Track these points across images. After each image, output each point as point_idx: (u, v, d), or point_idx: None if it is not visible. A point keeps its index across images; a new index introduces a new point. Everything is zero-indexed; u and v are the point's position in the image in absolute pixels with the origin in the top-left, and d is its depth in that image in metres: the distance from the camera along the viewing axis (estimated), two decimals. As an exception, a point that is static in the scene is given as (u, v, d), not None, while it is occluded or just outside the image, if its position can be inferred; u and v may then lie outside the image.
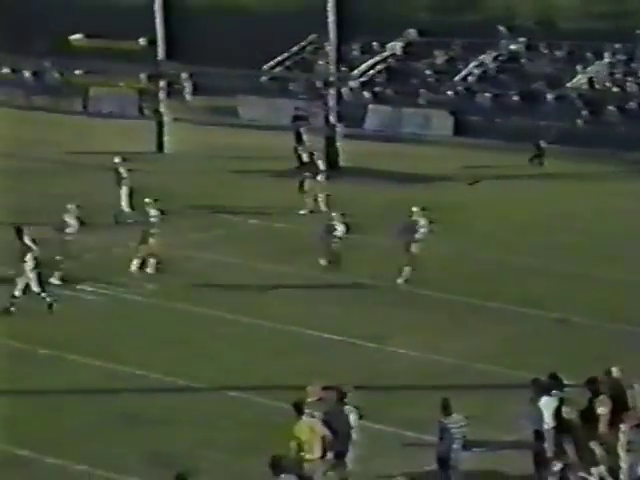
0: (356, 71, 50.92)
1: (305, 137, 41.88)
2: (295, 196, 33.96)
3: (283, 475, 14.23)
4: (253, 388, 19.97)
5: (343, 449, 15.60)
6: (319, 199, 33.03)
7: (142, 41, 43.77)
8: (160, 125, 42.79)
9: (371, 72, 51.70)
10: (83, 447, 17.77)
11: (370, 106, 48.80)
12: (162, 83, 43.65)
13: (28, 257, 23.96)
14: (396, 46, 52.57)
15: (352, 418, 15.67)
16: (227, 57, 49.64)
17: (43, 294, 24.10)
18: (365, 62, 51.90)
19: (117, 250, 28.86)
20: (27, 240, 24.25)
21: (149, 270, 27.08)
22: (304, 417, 15.34)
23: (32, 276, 24.05)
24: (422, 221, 26.45)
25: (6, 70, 55.11)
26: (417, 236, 26.26)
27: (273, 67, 53.50)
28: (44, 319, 23.92)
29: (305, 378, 17.31)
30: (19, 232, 24.46)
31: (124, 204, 31.42)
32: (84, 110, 51.33)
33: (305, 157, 34.60)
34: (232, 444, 17.53)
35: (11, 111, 49.58)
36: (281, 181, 36.65)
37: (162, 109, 43.18)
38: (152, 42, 43.23)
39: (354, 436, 15.57)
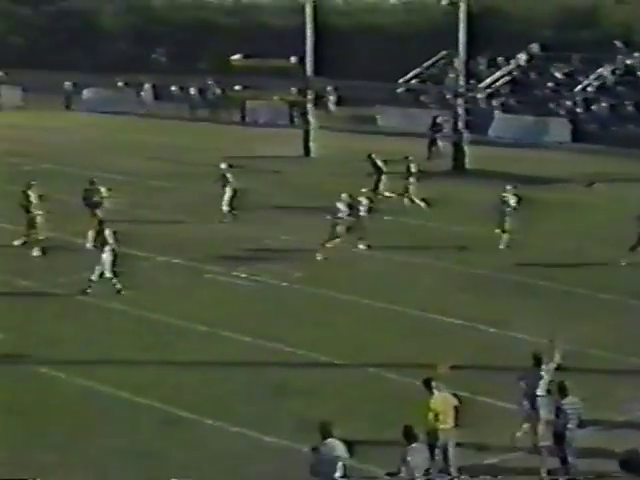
0: (483, 83, 50.59)
1: (439, 143, 42.10)
2: (424, 194, 34.08)
3: (415, 444, 14.33)
4: (386, 365, 20.01)
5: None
6: (415, 198, 32.98)
7: (293, 59, 44.21)
8: (307, 132, 43.19)
9: (497, 84, 51.31)
10: (237, 412, 18.15)
11: (495, 115, 48.43)
12: (310, 96, 44.01)
13: (107, 248, 24.61)
14: (520, 60, 52.05)
15: (543, 381, 16.11)
16: (367, 72, 49.97)
17: (114, 280, 24.59)
18: (491, 75, 51.53)
19: (268, 241, 29.37)
20: (107, 232, 24.93)
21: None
22: (436, 391, 15.48)
23: (107, 263, 24.62)
24: None
25: (175, 88, 56.09)
26: None
27: (408, 80, 53.45)
28: (203, 300, 24.41)
29: (432, 358, 17.36)
30: (101, 224, 25.43)
31: (224, 204, 31.66)
32: (241, 121, 52.00)
33: (379, 163, 34.12)
34: (368, 414, 17.70)
35: (178, 123, 50.60)
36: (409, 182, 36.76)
37: (309, 119, 43.53)
38: (302, 60, 43.64)
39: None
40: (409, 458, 14.15)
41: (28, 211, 28.49)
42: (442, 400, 15.47)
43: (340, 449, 14.14)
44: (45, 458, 16.60)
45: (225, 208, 31.66)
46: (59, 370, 20.12)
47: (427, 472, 14.53)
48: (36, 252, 27.88)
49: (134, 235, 29.20)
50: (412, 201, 33.05)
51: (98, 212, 29.02)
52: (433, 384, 15.58)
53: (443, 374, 16.10)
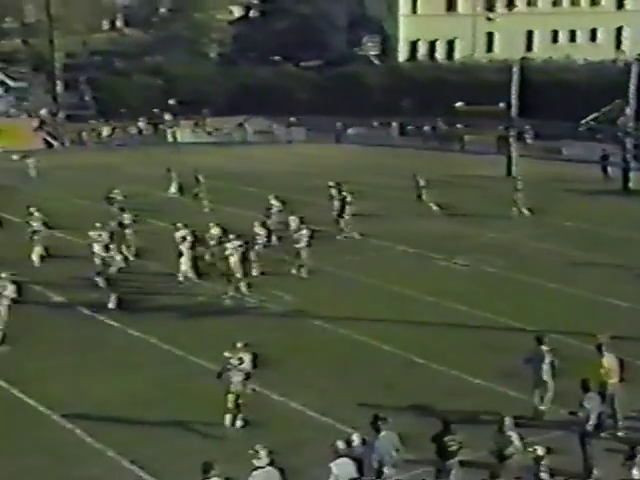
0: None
1: (609, 169, 40.43)
2: (599, 209, 32.80)
3: (590, 393, 13.91)
4: (567, 333, 19.25)
5: None
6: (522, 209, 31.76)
7: (502, 105, 43.45)
8: (509, 159, 42.24)
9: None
10: (454, 360, 18.06)
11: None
12: (513, 132, 43.07)
13: (304, 234, 24.47)
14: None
15: None
16: (558, 114, 48.47)
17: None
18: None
19: (479, 237, 28.87)
20: (292, 222, 25.34)
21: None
22: (606, 353, 14.96)
23: (304, 247, 24.46)
24: None
25: (412, 127, 56.09)
26: None
27: (588, 121, 51.52)
28: (429, 279, 24.25)
29: (603, 330, 16.65)
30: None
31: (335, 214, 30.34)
32: (461, 150, 51.46)
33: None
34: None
35: (415, 151, 50.57)
36: (586, 198, 35.54)
37: (512, 149, 42.61)
38: (508, 106, 42.82)
39: None
40: (585, 403, 13.79)
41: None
42: (610, 360, 14.97)
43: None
44: (317, 382, 17.18)
45: (335, 215, 30.10)
46: (328, 323, 20.58)
47: (599, 415, 14.10)
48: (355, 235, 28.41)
49: (380, 230, 29.62)
50: (520, 211, 31.72)
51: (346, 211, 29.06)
52: (603, 348, 15.09)
53: (605, 342, 15.52)
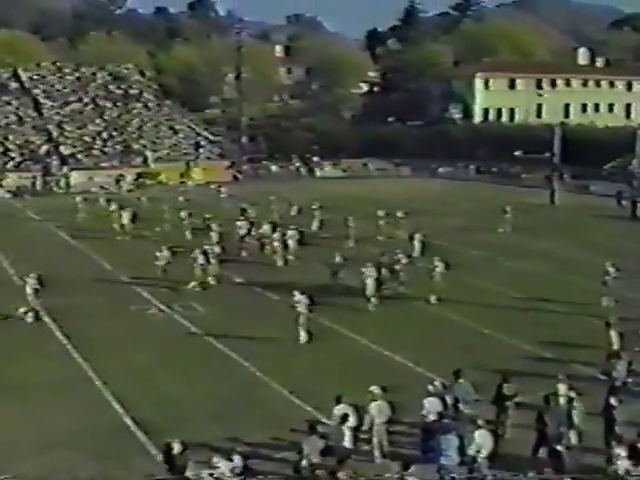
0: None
1: (622, 202, 37.65)
2: (610, 229, 30.59)
3: (621, 360, 13.13)
4: (595, 315, 17.43)
5: None
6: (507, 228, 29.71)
7: (547, 154, 41.71)
8: (552, 192, 40.16)
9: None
10: (512, 331, 17.34)
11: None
12: (556, 173, 41.12)
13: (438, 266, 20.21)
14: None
15: None
16: (587, 161, 45.99)
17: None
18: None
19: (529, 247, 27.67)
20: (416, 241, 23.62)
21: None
22: (612, 330, 14.26)
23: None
24: None
25: (483, 168, 53.87)
26: None
27: (608, 167, 48.46)
28: (492, 273, 23.29)
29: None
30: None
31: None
32: (518, 185, 47.74)
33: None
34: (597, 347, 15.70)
35: (485, 185, 48.24)
36: (606, 221, 33.37)
37: (554, 185, 40.29)
38: (553, 154, 40.81)
39: None
40: (618, 366, 12.99)
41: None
42: (614, 334, 14.07)
43: None
44: (414, 343, 16.86)
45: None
46: (425, 304, 19.86)
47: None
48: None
49: (460, 238, 28.48)
50: (505, 230, 29.73)
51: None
52: (610, 326, 14.30)
53: (612, 322, 14.51)
